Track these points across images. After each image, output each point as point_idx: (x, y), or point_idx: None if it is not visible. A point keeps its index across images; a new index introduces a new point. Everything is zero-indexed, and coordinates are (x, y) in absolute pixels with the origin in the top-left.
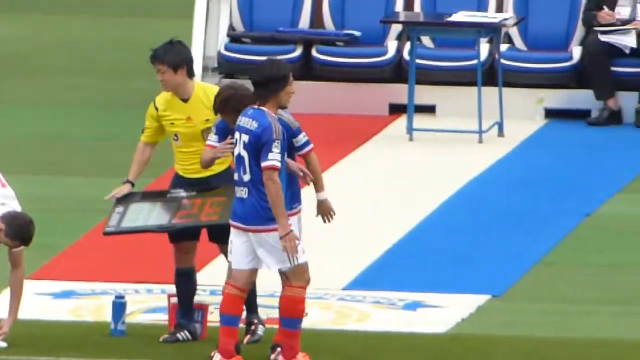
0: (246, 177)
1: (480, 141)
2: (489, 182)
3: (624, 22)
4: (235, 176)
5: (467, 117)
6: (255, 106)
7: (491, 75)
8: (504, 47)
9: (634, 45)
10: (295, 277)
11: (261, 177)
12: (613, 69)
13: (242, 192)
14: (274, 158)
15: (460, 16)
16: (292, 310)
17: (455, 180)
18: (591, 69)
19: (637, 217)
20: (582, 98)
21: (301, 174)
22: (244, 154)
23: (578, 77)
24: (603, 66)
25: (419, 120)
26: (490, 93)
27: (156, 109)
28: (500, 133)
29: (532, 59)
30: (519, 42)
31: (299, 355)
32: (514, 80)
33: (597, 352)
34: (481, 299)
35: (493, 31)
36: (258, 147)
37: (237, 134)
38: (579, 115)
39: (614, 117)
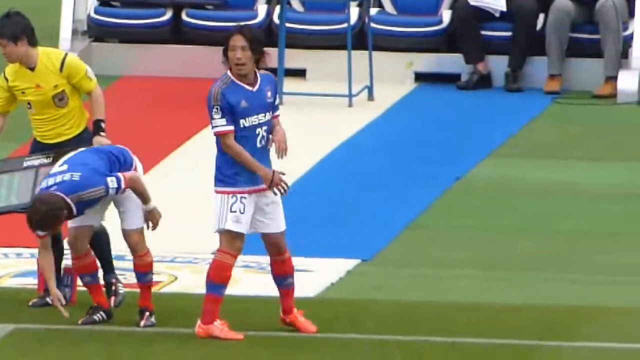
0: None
1: (350, 105)
2: (359, 146)
3: None
4: None
5: (337, 80)
6: None
7: (361, 39)
8: (373, 10)
9: (504, 9)
10: (224, 243)
11: (216, 140)
12: (483, 32)
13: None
14: (215, 125)
15: None
16: (218, 276)
17: (326, 144)
18: (461, 32)
19: (506, 181)
20: (451, 62)
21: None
22: None
23: (448, 41)
24: (472, 30)
25: (289, 84)
26: (360, 57)
27: (6, 79)
28: (370, 97)
29: (401, 22)
30: (389, 6)
31: (217, 322)
32: (384, 44)
33: (465, 315)
34: (351, 263)
35: None
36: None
37: None
38: (448, 79)
39: (484, 81)
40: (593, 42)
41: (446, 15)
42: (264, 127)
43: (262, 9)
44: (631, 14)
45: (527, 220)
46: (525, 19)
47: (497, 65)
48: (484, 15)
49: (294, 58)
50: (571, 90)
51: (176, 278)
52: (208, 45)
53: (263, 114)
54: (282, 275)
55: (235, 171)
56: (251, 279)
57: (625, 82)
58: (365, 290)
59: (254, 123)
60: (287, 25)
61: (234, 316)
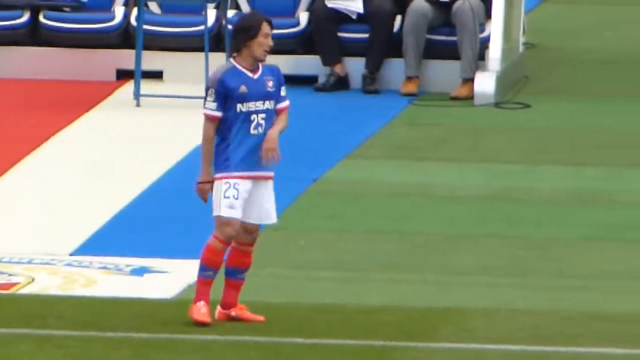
0: None
1: None
2: None
3: None
4: None
5: (194, 82)
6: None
7: (218, 41)
8: (231, 12)
9: (361, 11)
10: (217, 229)
11: (219, 126)
12: (340, 34)
13: None
14: (206, 107)
15: None
16: (208, 259)
17: (183, 145)
18: (318, 35)
19: (363, 182)
20: (309, 64)
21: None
22: None
23: (305, 43)
24: (330, 32)
25: (147, 86)
26: (217, 59)
27: None
28: None
29: None
30: (246, 8)
31: (200, 303)
32: None
33: (323, 317)
34: None
35: None
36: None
37: None
38: (306, 81)
39: (341, 83)
40: (450, 44)
41: (303, 17)
42: (261, 115)
43: (119, 11)
44: (488, 15)
45: (384, 222)
46: (382, 21)
47: (355, 67)
48: (341, 18)
49: (151, 60)
50: (428, 92)
51: (33, 279)
52: (66, 47)
53: (261, 102)
54: (240, 267)
55: (225, 156)
56: (109, 281)
57: (482, 84)
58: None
59: (250, 109)
60: (145, 27)
61: (92, 317)
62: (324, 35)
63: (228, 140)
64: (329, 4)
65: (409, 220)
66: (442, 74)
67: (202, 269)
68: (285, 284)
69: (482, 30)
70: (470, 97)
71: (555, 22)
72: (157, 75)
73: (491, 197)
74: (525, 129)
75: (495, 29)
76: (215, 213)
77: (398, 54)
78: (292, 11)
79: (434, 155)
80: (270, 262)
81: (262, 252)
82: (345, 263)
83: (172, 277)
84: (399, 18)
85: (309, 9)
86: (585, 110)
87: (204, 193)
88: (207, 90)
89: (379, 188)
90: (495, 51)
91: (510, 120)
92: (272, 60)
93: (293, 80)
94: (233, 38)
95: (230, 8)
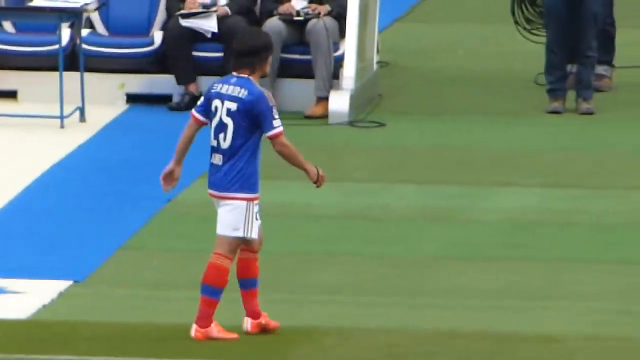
0: (225, 144)
1: (62, 126)
2: (71, 168)
3: (206, 7)
4: (214, 143)
5: (49, 102)
6: (237, 74)
7: (73, 60)
8: (85, 32)
9: (215, 30)
10: (232, 250)
11: (242, 144)
12: (194, 53)
13: (217, 159)
14: (278, 125)
15: (41, 1)
16: (217, 280)
17: (37, 165)
18: (172, 53)
19: None
20: (163, 83)
21: None
22: (228, 121)
23: (159, 62)
24: (184, 51)
25: (0, 106)
26: (72, 78)
27: None
28: (82, 118)
29: (113, 44)
30: (100, 27)
31: (213, 324)
32: (96, 65)
33: (179, 337)
34: (63, 284)
35: (74, 16)
36: (251, 115)
37: (216, 102)
38: (160, 100)
39: (195, 102)
40: (304, 62)
41: (158, 36)
42: None
43: None
44: (342, 34)
45: None
46: None
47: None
48: (195, 36)
49: (6, 79)
50: (283, 111)
51: None
52: None
53: None
54: (254, 275)
55: (257, 177)
56: None
57: (337, 102)
58: (77, 312)
59: None
60: None
61: None
62: (178, 54)
63: (256, 159)
64: (184, 23)
65: (266, 239)
66: (297, 92)
67: (212, 290)
68: (141, 304)
69: (336, 49)
70: (324, 116)
71: (409, 40)
72: (11, 94)
73: (347, 215)
74: (380, 148)
75: (349, 47)
76: (247, 234)
77: None
78: (146, 30)
79: (289, 174)
80: (125, 282)
81: (116, 272)
82: (200, 283)
83: (25, 297)
84: None
85: (163, 27)
86: (439, 129)
87: (324, 179)
88: (270, 110)
89: None
90: (349, 70)
91: (364, 138)
92: (124, 79)
93: (147, 100)
94: (252, 57)
95: (85, 27)
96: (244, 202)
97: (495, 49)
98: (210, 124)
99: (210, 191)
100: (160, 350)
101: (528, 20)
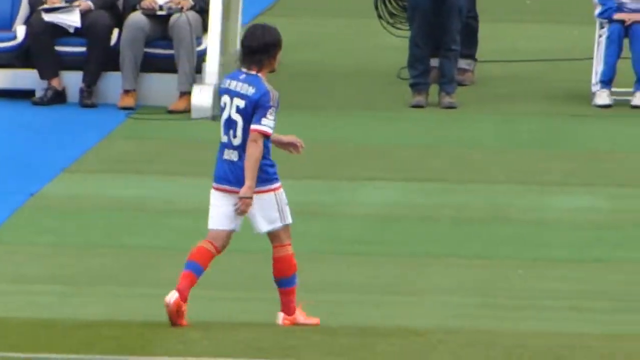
0: (237, 141)
1: None
2: None
3: (69, 1)
4: (224, 139)
5: None
6: (247, 71)
7: None
8: None
9: (78, 25)
10: (285, 236)
11: (265, 142)
12: (57, 48)
13: (231, 155)
14: (266, 124)
15: None
16: (289, 269)
17: None
18: (35, 48)
19: (81, 197)
20: (26, 78)
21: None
22: (237, 118)
23: (22, 56)
24: (47, 46)
25: None
26: None
27: None
28: None
29: None
30: None
31: (297, 311)
32: None
33: (43, 332)
34: None
35: None
36: (253, 111)
37: (225, 98)
38: (23, 94)
39: (59, 97)
40: (167, 57)
41: (20, 30)
42: None
43: None
44: (205, 29)
45: (102, 236)
46: (99, 34)
47: (72, 81)
48: (58, 31)
49: None
50: (146, 106)
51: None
52: None
53: None
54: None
55: (275, 167)
56: None
57: (199, 97)
58: None
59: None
60: None
61: None
62: (41, 48)
63: (268, 151)
64: (46, 18)
65: (127, 234)
66: (160, 87)
67: (289, 280)
68: (3, 299)
69: (200, 44)
70: (187, 111)
71: None
72: None
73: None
74: None
75: (212, 42)
76: (286, 222)
77: (116, 67)
78: (9, 24)
79: (151, 169)
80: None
81: None
82: (63, 277)
83: None
84: (116, 31)
85: (26, 22)
86: (305, 123)
87: (249, 206)
88: (267, 108)
89: (96, 202)
90: (212, 65)
91: None
92: None
93: (10, 94)
94: (262, 54)
95: None
96: (272, 194)
97: (358, 44)
98: (220, 120)
99: (224, 187)
100: (23, 344)
101: (391, 15)
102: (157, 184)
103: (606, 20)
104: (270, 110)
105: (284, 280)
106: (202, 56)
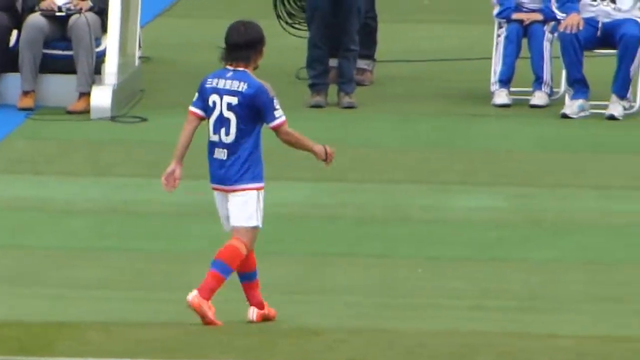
0: (229, 139)
1: None
2: None
3: None
4: (214, 138)
5: None
6: (233, 68)
7: None
8: None
9: None
10: (251, 240)
11: (247, 136)
12: None
13: (221, 154)
14: (280, 115)
15: None
16: (233, 262)
17: None
18: None
19: None
20: None
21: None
22: (230, 115)
23: None
24: None
25: None
26: None
27: None
28: None
29: None
30: None
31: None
32: None
33: None
34: None
35: None
36: (252, 108)
37: (214, 97)
38: None
39: None
40: (66, 58)
41: None
42: None
43: None
44: (104, 29)
45: (3, 236)
46: None
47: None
48: None
49: None
50: (45, 107)
51: None
52: None
53: None
54: (254, 268)
55: (261, 166)
56: None
57: (99, 98)
58: None
59: None
60: None
61: None
62: None
63: (260, 149)
64: None
65: (28, 235)
66: (59, 88)
67: (226, 269)
68: None
69: (98, 45)
70: (87, 111)
71: (171, 36)
72: None
73: (110, 210)
74: (142, 143)
75: (111, 43)
76: (254, 223)
77: (15, 68)
78: None
79: (51, 169)
80: None
81: None
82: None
83: None
84: (15, 33)
85: None
86: (203, 124)
87: (333, 153)
88: (271, 101)
89: None
90: (111, 65)
91: (126, 134)
92: None
93: None
94: (248, 50)
95: None
96: (255, 192)
97: None
98: (209, 120)
99: (216, 186)
100: None
101: (290, 15)
102: (56, 185)
103: (505, 20)
104: (275, 102)
105: (222, 266)
106: (101, 57)
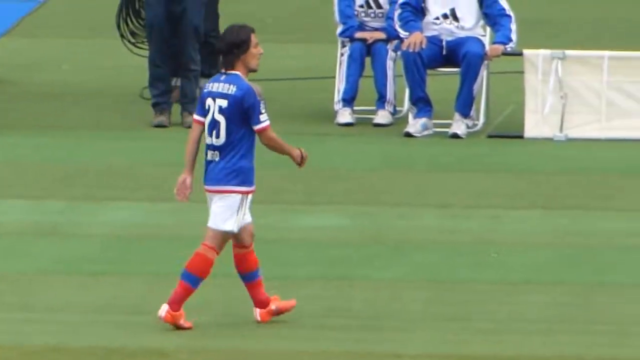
0: (219, 141)
1: None
2: None
3: None
4: (208, 140)
5: None
6: (226, 71)
7: None
8: None
9: None
10: (216, 242)
11: (236, 139)
12: None
13: (213, 156)
14: (265, 119)
15: None
16: (200, 270)
17: None
18: None
19: None
20: None
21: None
22: (220, 118)
23: None
24: None
25: None
26: None
27: None
28: None
29: None
30: None
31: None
32: None
33: None
34: None
35: None
36: (241, 110)
37: (209, 101)
38: None
39: None
40: None
41: None
42: None
43: None
44: None
45: None
46: None
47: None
48: None
49: None
50: None
51: None
52: None
53: None
54: (256, 267)
55: (253, 170)
56: None
57: None
58: None
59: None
60: None
61: None
62: None
63: (252, 153)
64: None
65: None
66: None
67: (194, 279)
68: None
69: None
70: None
71: (14, 55)
72: None
73: None
74: None
75: None
76: (230, 227)
77: None
78: None
79: None
80: None
81: None
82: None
83: None
84: None
85: None
86: (47, 144)
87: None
88: (258, 105)
89: None
90: None
91: None
92: None
93: None
94: (226, 55)
95: None
96: (239, 196)
97: (102, 63)
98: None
99: (206, 186)
100: None
101: (133, 34)
102: None
103: (348, 39)
104: (261, 105)
105: (191, 277)
106: None
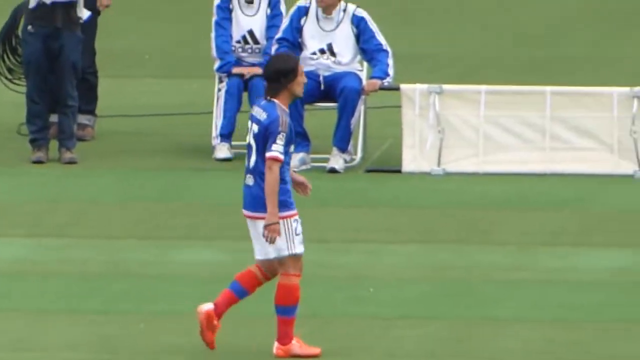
0: (251, 165)
1: None
2: None
3: None
4: (246, 163)
5: None
6: (266, 98)
7: None
8: None
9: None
10: (292, 267)
11: (263, 166)
12: None
13: (248, 180)
14: (276, 150)
15: None
16: (288, 299)
17: None
18: None
19: None
20: None
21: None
22: (253, 143)
23: None
24: None
25: None
26: None
27: None
28: None
29: None
30: None
31: (294, 341)
32: None
33: None
34: None
35: None
36: (265, 137)
37: (249, 123)
38: None
39: None
40: None
41: None
42: None
43: None
44: None
45: None
46: None
47: None
48: None
49: None
50: None
51: None
52: None
53: None
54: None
55: (288, 194)
56: None
57: None
58: None
59: (292, 150)
60: None
61: None
62: None
63: (286, 179)
64: None
65: None
66: None
67: (285, 310)
68: None
69: None
70: None
71: None
72: None
73: None
74: None
75: None
76: (290, 252)
77: None
78: None
79: None
80: None
81: None
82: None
83: None
84: None
85: None
86: None
87: (276, 232)
88: (276, 134)
89: None
90: None
91: None
92: None
93: None
94: (272, 82)
95: None
96: (280, 222)
97: None
98: None
99: (245, 212)
100: None
101: (10, 70)
102: None
103: (225, 75)
104: (279, 136)
105: (282, 309)
106: None
